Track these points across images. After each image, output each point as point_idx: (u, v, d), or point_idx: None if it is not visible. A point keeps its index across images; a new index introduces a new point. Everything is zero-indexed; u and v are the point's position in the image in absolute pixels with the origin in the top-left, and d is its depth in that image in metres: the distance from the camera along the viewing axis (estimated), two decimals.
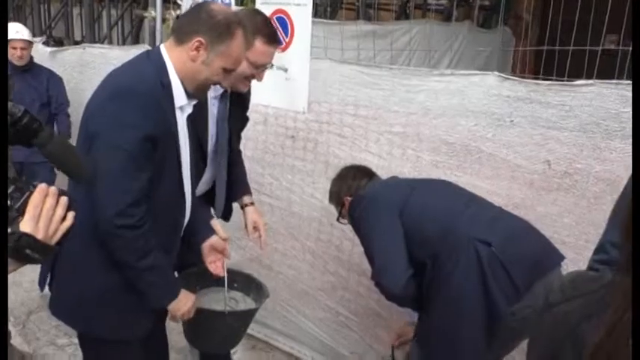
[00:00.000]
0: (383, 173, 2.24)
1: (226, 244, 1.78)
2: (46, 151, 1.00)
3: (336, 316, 2.65)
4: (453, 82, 2.12)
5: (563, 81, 1.92)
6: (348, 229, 2.30)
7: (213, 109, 1.87)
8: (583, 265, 1.81)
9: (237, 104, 1.95)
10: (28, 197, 0.84)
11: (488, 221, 1.64)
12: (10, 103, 0.89)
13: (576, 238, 1.84)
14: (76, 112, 3.90)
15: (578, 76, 2.09)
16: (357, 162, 2.41)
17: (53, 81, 3.65)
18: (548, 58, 3.08)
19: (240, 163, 2.16)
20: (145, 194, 1.43)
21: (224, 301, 1.87)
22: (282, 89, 2.58)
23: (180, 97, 1.49)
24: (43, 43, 4.45)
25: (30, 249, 0.82)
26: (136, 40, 6.03)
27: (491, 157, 2.02)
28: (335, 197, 2.03)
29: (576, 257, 1.83)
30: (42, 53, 4.08)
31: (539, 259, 1.60)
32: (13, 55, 3.40)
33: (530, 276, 1.55)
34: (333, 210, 2.52)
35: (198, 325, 1.77)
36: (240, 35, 1.45)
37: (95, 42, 5.57)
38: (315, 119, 2.55)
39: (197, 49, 1.42)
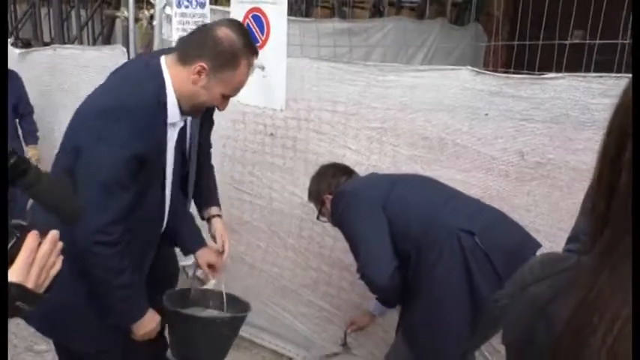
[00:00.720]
0: (362, 169, 2.27)
1: (221, 259, 1.87)
2: (33, 192, 0.92)
3: (319, 312, 2.68)
4: (428, 77, 2.16)
5: (534, 74, 1.97)
6: (329, 225, 2.33)
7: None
8: (557, 251, 1.88)
9: (206, 114, 1.88)
10: (17, 243, 0.77)
11: (469, 212, 1.69)
12: None
13: (550, 227, 1.91)
14: (46, 114, 3.84)
15: (548, 70, 2.16)
16: (337, 158, 2.43)
17: (18, 83, 3.58)
18: (519, 53, 3.17)
19: (209, 173, 2.08)
20: (125, 213, 1.41)
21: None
22: (259, 87, 2.58)
23: (174, 114, 1.48)
24: (11, 45, 4.35)
25: (21, 301, 0.75)
26: (108, 41, 5.94)
27: (467, 150, 2.07)
28: (314, 195, 2.06)
29: (551, 245, 1.89)
30: (10, 55, 3.99)
31: (518, 247, 1.65)
32: None
33: (511, 264, 1.59)
34: (314, 207, 2.56)
35: (188, 335, 1.82)
36: (244, 65, 1.47)
37: (65, 43, 5.47)
38: (293, 116, 2.57)
39: (199, 73, 1.42)
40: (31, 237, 0.78)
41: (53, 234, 0.81)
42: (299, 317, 2.76)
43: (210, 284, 2.46)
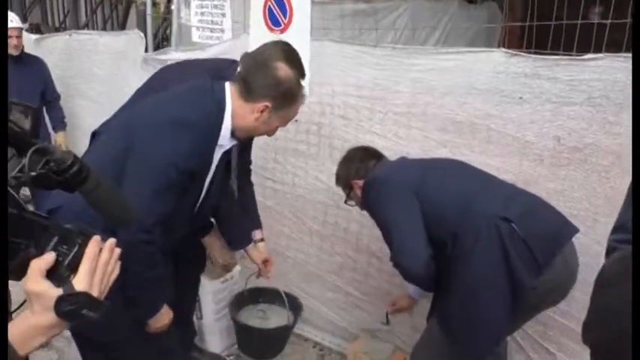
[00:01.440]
0: (389, 154, 2.24)
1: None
2: (92, 199, 0.89)
3: (346, 297, 2.68)
4: (458, 60, 2.11)
5: (571, 54, 1.92)
6: (354, 210, 2.31)
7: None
8: (593, 237, 1.86)
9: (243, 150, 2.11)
10: (79, 251, 0.77)
11: (505, 198, 1.66)
12: (60, 149, 0.81)
13: (586, 211, 1.88)
14: (64, 101, 3.82)
15: (569, 50, 2.10)
16: (363, 143, 2.40)
17: (46, 69, 3.57)
18: (539, 33, 3.08)
19: (250, 194, 2.29)
20: (167, 216, 1.50)
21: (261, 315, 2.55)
22: None
23: (225, 138, 1.59)
24: (26, 31, 4.32)
25: (87, 308, 0.75)
26: (123, 26, 5.88)
27: (500, 134, 2.03)
28: (343, 180, 2.03)
29: (587, 230, 1.87)
30: (26, 42, 3.96)
31: (555, 232, 1.63)
32: (10, 45, 3.30)
33: (549, 250, 1.58)
34: (338, 192, 2.52)
35: (249, 339, 2.46)
36: (299, 100, 1.64)
37: (77, 28, 5.42)
38: (317, 101, 2.53)
39: (262, 111, 1.55)
40: (93, 244, 0.78)
41: (111, 242, 0.81)
42: (325, 303, 2.76)
43: (236, 271, 2.50)
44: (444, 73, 2.15)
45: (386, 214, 1.77)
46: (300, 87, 1.59)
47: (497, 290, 1.57)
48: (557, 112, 1.89)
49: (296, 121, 2.61)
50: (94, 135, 1.79)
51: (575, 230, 1.69)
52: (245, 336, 2.48)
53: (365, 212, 2.05)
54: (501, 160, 2.03)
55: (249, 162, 2.31)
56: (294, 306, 2.49)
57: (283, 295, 2.44)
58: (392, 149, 2.31)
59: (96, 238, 0.79)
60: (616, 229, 1.18)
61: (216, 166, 1.66)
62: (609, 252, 1.13)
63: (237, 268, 2.66)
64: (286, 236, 2.84)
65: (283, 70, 1.53)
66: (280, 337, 2.50)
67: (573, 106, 1.86)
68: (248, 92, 1.54)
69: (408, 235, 1.68)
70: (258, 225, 2.30)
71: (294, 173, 2.72)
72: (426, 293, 2.07)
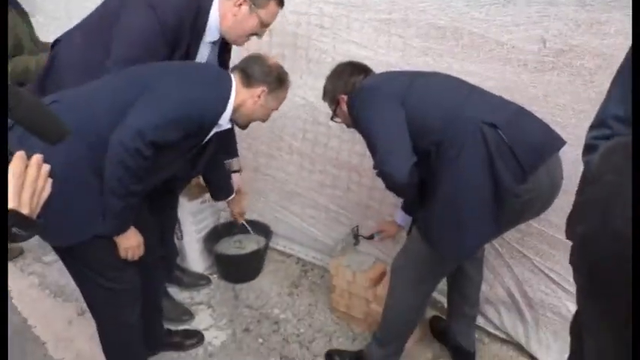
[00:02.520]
0: (369, 64, 2.14)
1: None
2: (16, 116, 0.81)
3: (327, 213, 2.69)
4: None
5: None
6: (334, 126, 2.25)
7: (204, 51, 2.01)
8: (578, 146, 1.83)
9: (224, 53, 2.14)
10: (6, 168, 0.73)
11: (492, 106, 1.60)
12: None
13: (570, 117, 1.84)
14: None
15: None
16: (341, 54, 2.29)
17: None
18: None
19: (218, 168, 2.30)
20: (160, 146, 1.56)
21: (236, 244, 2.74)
22: None
23: (225, 119, 1.75)
24: None
25: (17, 227, 0.73)
26: None
27: (484, 39, 1.94)
28: (329, 95, 1.95)
29: (569, 137, 1.84)
30: None
31: (542, 143, 1.60)
32: None
33: (534, 159, 1.55)
34: (318, 107, 2.46)
35: (227, 266, 2.69)
36: (289, 85, 1.91)
37: None
38: (292, 10, 2.38)
39: (259, 96, 1.81)
40: (17, 161, 0.75)
41: (37, 157, 0.78)
42: (307, 219, 2.77)
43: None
44: None
45: (371, 121, 1.70)
46: (287, 74, 1.89)
47: (481, 196, 1.55)
48: (543, 13, 1.80)
49: (269, 31, 2.48)
50: (56, 43, 1.98)
51: (562, 143, 1.66)
52: (222, 265, 2.70)
53: (344, 127, 2.00)
54: (484, 66, 1.95)
55: None
56: (265, 231, 2.75)
57: (247, 225, 2.63)
58: (372, 59, 2.21)
59: (19, 154, 0.74)
60: (594, 126, 1.14)
61: (208, 140, 1.79)
62: (588, 150, 1.09)
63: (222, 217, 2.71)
64: (265, 154, 2.79)
65: (272, 60, 1.86)
66: (254, 260, 2.70)
67: (561, 6, 1.76)
68: (249, 79, 1.79)
69: (393, 143, 1.63)
70: (235, 153, 2.37)
71: None
72: (410, 219, 2.07)
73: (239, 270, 2.70)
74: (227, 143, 2.28)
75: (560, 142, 1.62)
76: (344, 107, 1.86)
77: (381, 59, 2.19)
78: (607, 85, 1.71)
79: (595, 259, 0.61)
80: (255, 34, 2.00)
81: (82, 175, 1.54)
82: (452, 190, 1.59)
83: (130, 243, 1.69)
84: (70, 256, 1.66)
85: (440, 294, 2.37)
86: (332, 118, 1.98)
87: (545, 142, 1.60)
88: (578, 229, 0.64)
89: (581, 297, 0.65)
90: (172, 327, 2.31)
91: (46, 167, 0.79)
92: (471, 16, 1.95)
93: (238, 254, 2.65)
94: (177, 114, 1.58)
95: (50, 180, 0.81)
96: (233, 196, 2.36)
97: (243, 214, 2.53)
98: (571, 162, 1.86)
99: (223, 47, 2.11)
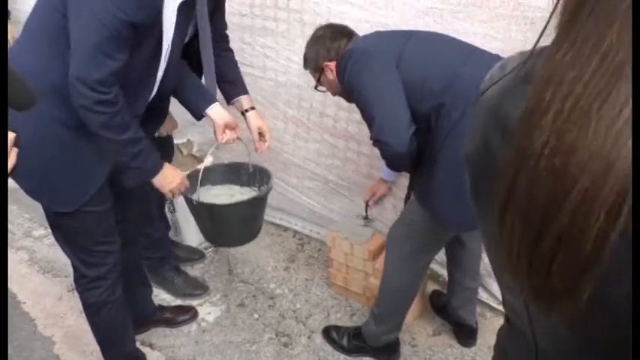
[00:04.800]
0: (367, 27, 2.02)
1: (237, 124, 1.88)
2: None
3: (324, 184, 2.59)
4: None
5: None
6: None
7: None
8: None
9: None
10: None
11: (494, 63, 1.49)
12: None
13: None
14: None
15: None
16: (337, 16, 2.16)
17: None
18: None
19: (229, 59, 2.02)
20: (120, 73, 1.39)
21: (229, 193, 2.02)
22: None
23: None
24: None
25: None
26: None
27: None
28: (312, 63, 1.83)
29: None
30: None
31: None
32: None
33: None
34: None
35: (209, 221, 1.89)
36: None
37: None
38: None
39: None
40: None
41: None
42: (304, 191, 2.68)
43: (208, 161, 2.34)
44: None
45: (365, 87, 1.58)
46: None
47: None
48: None
49: None
50: None
51: None
52: (206, 220, 1.92)
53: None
54: (489, 25, 1.82)
55: (225, 26, 2.04)
56: (264, 178, 2.03)
57: (250, 166, 2.03)
58: (369, 20, 2.08)
59: None
60: None
61: (177, 24, 1.49)
62: None
63: (210, 158, 2.53)
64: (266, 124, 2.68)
65: None
66: (251, 214, 1.93)
67: None
68: None
69: (391, 110, 1.52)
70: (243, 91, 2.00)
71: (264, 54, 2.49)
72: (398, 175, 1.98)
73: (230, 226, 1.91)
74: (226, 71, 1.97)
75: None
76: (329, 75, 1.75)
77: (379, 20, 2.06)
78: None
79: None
80: None
81: (59, 134, 1.46)
82: (454, 157, 1.48)
83: (171, 184, 1.61)
84: (60, 225, 1.60)
85: (441, 266, 2.30)
86: (316, 87, 1.86)
87: None
88: (465, 150, 0.60)
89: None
90: (165, 303, 2.25)
91: (11, 136, 0.72)
92: None
93: (230, 203, 1.86)
94: (103, 33, 1.32)
95: (16, 150, 0.74)
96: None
97: (264, 137, 1.96)
98: None
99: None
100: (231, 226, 1.91)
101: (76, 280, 1.69)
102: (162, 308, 2.19)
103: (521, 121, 0.43)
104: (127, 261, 1.79)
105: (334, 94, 1.86)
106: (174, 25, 1.49)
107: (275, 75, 2.50)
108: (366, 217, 2.35)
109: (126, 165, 1.52)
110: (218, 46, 1.97)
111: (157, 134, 2.00)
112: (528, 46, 1.68)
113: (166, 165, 1.60)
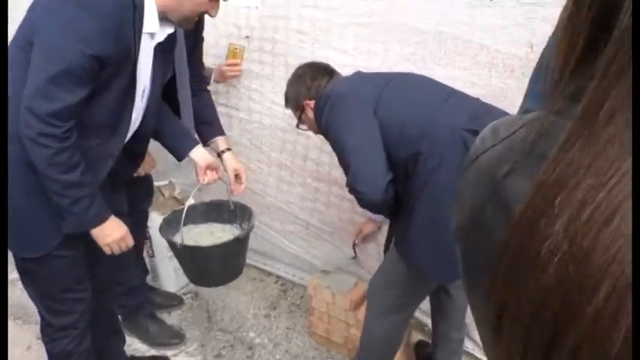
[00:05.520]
0: (349, 71, 2.00)
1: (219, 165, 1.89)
2: None
3: (307, 228, 2.54)
4: None
5: None
6: (314, 136, 2.11)
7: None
8: None
9: (195, 35, 1.92)
10: None
11: (472, 111, 1.47)
12: None
13: None
14: None
15: None
16: (320, 60, 2.16)
17: None
18: None
19: (206, 100, 2.06)
20: (76, 109, 1.33)
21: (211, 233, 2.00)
22: None
23: (151, 22, 1.41)
24: None
25: None
26: None
27: (468, 43, 1.81)
28: (293, 102, 1.82)
29: None
30: None
31: None
32: None
33: None
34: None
35: (192, 262, 1.87)
36: None
37: None
38: (270, 15, 2.26)
39: None
40: None
41: None
42: (286, 235, 2.62)
43: (189, 203, 2.30)
44: None
45: (341, 133, 1.55)
46: None
47: None
48: (530, 15, 1.67)
49: (247, 37, 2.36)
50: None
51: None
52: (189, 260, 1.90)
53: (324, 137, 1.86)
54: (469, 72, 1.82)
55: (202, 67, 2.08)
56: (245, 215, 2.02)
57: (231, 204, 2.01)
58: (352, 65, 2.08)
59: None
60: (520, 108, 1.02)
61: (154, 65, 1.49)
62: None
63: (191, 200, 2.48)
64: (243, 165, 2.64)
65: None
66: (234, 252, 1.92)
67: (549, 7, 1.63)
68: None
69: (367, 157, 1.48)
70: (219, 132, 2.03)
71: (249, 97, 2.49)
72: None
73: (213, 266, 1.88)
74: (203, 112, 1.98)
75: None
76: (310, 114, 1.73)
77: (362, 65, 2.05)
78: None
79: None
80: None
81: (26, 177, 1.41)
82: (432, 207, 1.44)
83: (107, 237, 1.50)
84: (27, 271, 1.53)
85: (426, 315, 2.21)
86: (297, 126, 1.84)
87: None
88: (454, 220, 0.53)
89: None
90: (139, 354, 2.15)
91: None
92: (454, 19, 1.83)
93: (213, 245, 1.83)
94: (61, 65, 1.26)
95: None
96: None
97: (240, 179, 1.97)
98: None
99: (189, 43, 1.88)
100: (214, 267, 1.89)
101: (42, 329, 1.61)
102: (134, 359, 2.09)
103: (523, 221, 0.37)
104: (98, 309, 1.71)
105: (316, 132, 1.82)
106: (151, 66, 1.47)
107: (260, 117, 2.49)
108: (354, 257, 2.28)
109: (65, 209, 1.42)
110: (195, 86, 1.99)
111: (135, 174, 1.96)
112: (508, 93, 1.65)
113: (112, 218, 1.51)
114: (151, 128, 1.68)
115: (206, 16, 1.68)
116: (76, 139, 1.35)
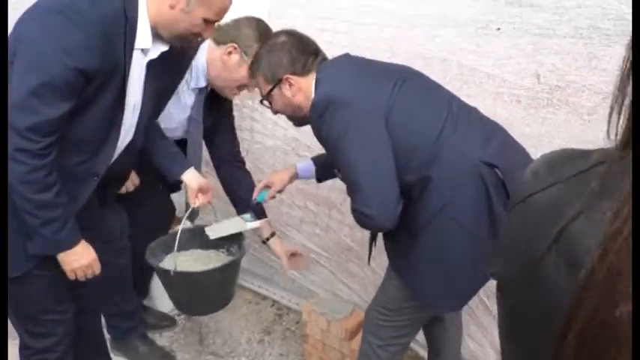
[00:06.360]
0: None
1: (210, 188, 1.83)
2: None
3: (305, 253, 2.48)
4: None
5: None
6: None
7: (187, 98, 1.91)
8: None
9: (216, 106, 1.97)
10: None
11: (484, 137, 1.39)
12: None
13: None
14: None
15: None
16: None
17: None
18: None
19: (245, 183, 2.04)
20: (57, 124, 1.27)
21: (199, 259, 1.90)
22: None
23: (144, 38, 1.37)
24: None
25: None
26: None
27: (474, 71, 1.79)
28: (267, 70, 1.50)
29: None
30: None
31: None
32: None
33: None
34: (298, 137, 2.30)
35: (184, 290, 1.79)
36: None
37: None
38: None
39: None
40: None
41: None
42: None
43: (186, 226, 2.26)
44: (417, 2, 1.88)
45: (350, 149, 1.35)
46: None
47: (477, 244, 1.34)
48: (538, 45, 1.65)
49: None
50: None
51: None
52: (175, 287, 1.80)
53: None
54: (474, 100, 1.77)
55: (235, 143, 2.09)
56: (234, 240, 1.92)
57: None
58: None
59: None
60: None
61: (145, 80, 1.45)
62: None
63: (188, 223, 2.43)
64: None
65: None
66: (227, 278, 1.84)
67: (556, 38, 1.61)
68: None
69: (380, 181, 1.34)
70: (263, 214, 2.03)
71: (251, 117, 2.47)
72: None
73: (206, 293, 1.81)
74: (245, 197, 1.95)
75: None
76: (286, 92, 1.49)
77: None
78: (605, 125, 1.56)
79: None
80: (246, 85, 1.82)
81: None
82: (442, 237, 1.38)
83: (74, 262, 1.41)
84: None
85: (423, 348, 2.15)
86: (261, 101, 1.58)
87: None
88: (497, 267, 0.46)
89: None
90: None
91: None
92: (460, 47, 1.81)
93: (208, 269, 1.76)
94: (43, 77, 1.20)
95: None
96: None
97: (297, 255, 1.98)
98: None
99: (214, 100, 1.94)
100: (207, 294, 1.81)
101: (20, 351, 1.55)
102: None
103: (596, 279, 0.33)
104: (82, 330, 1.66)
105: (283, 113, 1.60)
106: (142, 83, 1.44)
107: (262, 139, 2.47)
108: (258, 203, 1.92)
109: (34, 230, 1.34)
110: (228, 162, 2.04)
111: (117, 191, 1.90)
112: (514, 124, 1.60)
113: (81, 243, 1.42)
114: (139, 145, 1.61)
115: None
116: (54, 158, 1.29)
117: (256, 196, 1.87)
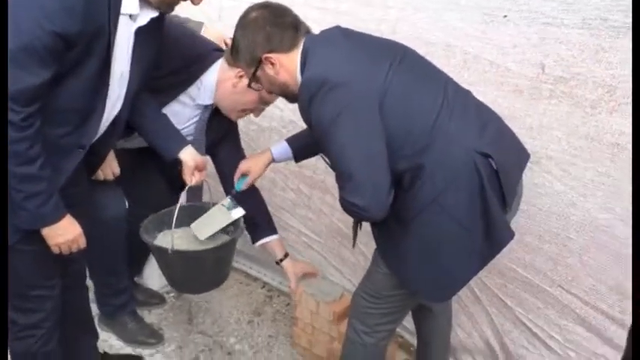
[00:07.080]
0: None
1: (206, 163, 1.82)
2: None
3: (297, 236, 2.47)
4: None
5: None
6: None
7: (189, 112, 1.88)
8: (568, 183, 1.64)
9: (218, 123, 1.94)
10: None
11: (480, 125, 1.36)
12: None
13: (563, 153, 1.64)
14: None
15: None
16: None
17: None
18: None
19: (254, 198, 2.03)
20: (38, 93, 1.21)
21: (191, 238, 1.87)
22: None
23: (130, 3, 1.30)
24: None
25: None
26: None
27: (477, 59, 1.76)
28: (245, 55, 1.42)
29: (562, 175, 1.65)
30: None
31: (517, 162, 1.43)
32: None
33: (512, 181, 1.38)
34: (294, 119, 2.26)
35: (182, 268, 1.76)
36: None
37: None
38: None
39: None
40: None
41: None
42: None
43: (182, 201, 2.22)
44: None
45: (341, 135, 1.28)
46: None
47: (470, 235, 1.32)
48: (544, 35, 1.61)
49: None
50: None
51: (528, 157, 1.49)
52: (169, 265, 1.78)
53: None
54: (476, 89, 1.72)
55: (241, 153, 2.04)
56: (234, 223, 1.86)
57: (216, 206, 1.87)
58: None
59: None
60: None
61: (134, 47, 1.38)
62: None
63: (183, 199, 2.40)
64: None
65: None
66: (224, 257, 1.83)
67: (564, 27, 1.58)
68: None
69: (372, 171, 1.29)
70: (272, 231, 2.05)
71: None
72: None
73: (203, 271, 1.80)
74: (252, 210, 1.91)
75: (526, 157, 1.48)
76: (269, 70, 1.41)
77: None
78: (608, 120, 1.54)
79: None
80: (252, 110, 1.85)
81: None
82: (433, 229, 1.35)
83: (58, 237, 1.37)
84: None
85: (412, 335, 2.15)
86: (249, 85, 1.50)
87: (519, 161, 1.45)
88: None
89: None
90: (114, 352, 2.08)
91: None
92: (465, 33, 1.77)
93: (207, 248, 1.76)
94: (23, 42, 1.15)
95: None
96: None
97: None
98: (565, 204, 1.68)
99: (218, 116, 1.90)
100: (203, 272, 1.79)
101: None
102: (107, 356, 2.02)
103: None
104: (70, 306, 1.63)
105: (271, 92, 1.56)
106: (131, 51, 1.37)
107: (258, 120, 2.43)
108: (237, 192, 1.89)
109: (17, 204, 1.28)
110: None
111: (93, 177, 1.77)
112: (515, 114, 1.57)
113: (66, 217, 1.38)
114: (124, 118, 1.53)
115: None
116: (38, 129, 1.24)
117: (236, 184, 1.87)
